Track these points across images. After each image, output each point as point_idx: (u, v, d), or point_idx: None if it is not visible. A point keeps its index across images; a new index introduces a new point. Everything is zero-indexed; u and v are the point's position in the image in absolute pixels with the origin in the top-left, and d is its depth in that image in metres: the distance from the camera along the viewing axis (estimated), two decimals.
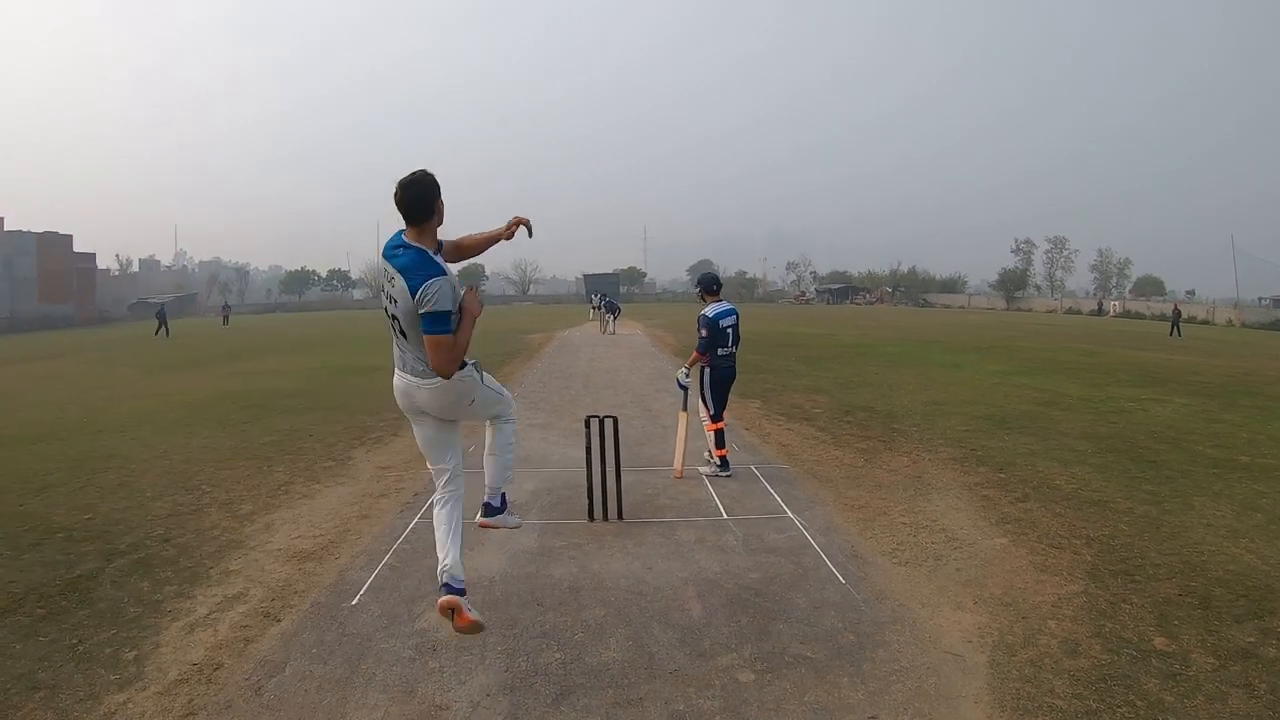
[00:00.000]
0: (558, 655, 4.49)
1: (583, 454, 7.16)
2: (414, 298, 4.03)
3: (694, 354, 8.83)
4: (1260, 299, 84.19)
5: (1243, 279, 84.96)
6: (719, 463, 8.66)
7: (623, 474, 7.24)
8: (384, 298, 4.29)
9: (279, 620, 5.04)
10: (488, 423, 4.96)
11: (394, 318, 4.23)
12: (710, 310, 8.74)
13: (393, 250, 4.21)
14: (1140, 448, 10.00)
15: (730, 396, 9.00)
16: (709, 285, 9.09)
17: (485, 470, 5.05)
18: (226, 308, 67.21)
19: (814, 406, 13.32)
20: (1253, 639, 4.73)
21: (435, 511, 4.79)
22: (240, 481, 8.53)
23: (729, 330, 8.78)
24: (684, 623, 4.90)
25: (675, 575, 5.69)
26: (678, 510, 7.36)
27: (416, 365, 4.30)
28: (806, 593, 5.39)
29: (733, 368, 8.98)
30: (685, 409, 8.79)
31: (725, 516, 7.14)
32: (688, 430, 8.65)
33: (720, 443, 8.71)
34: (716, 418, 8.74)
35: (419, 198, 4.15)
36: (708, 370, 8.78)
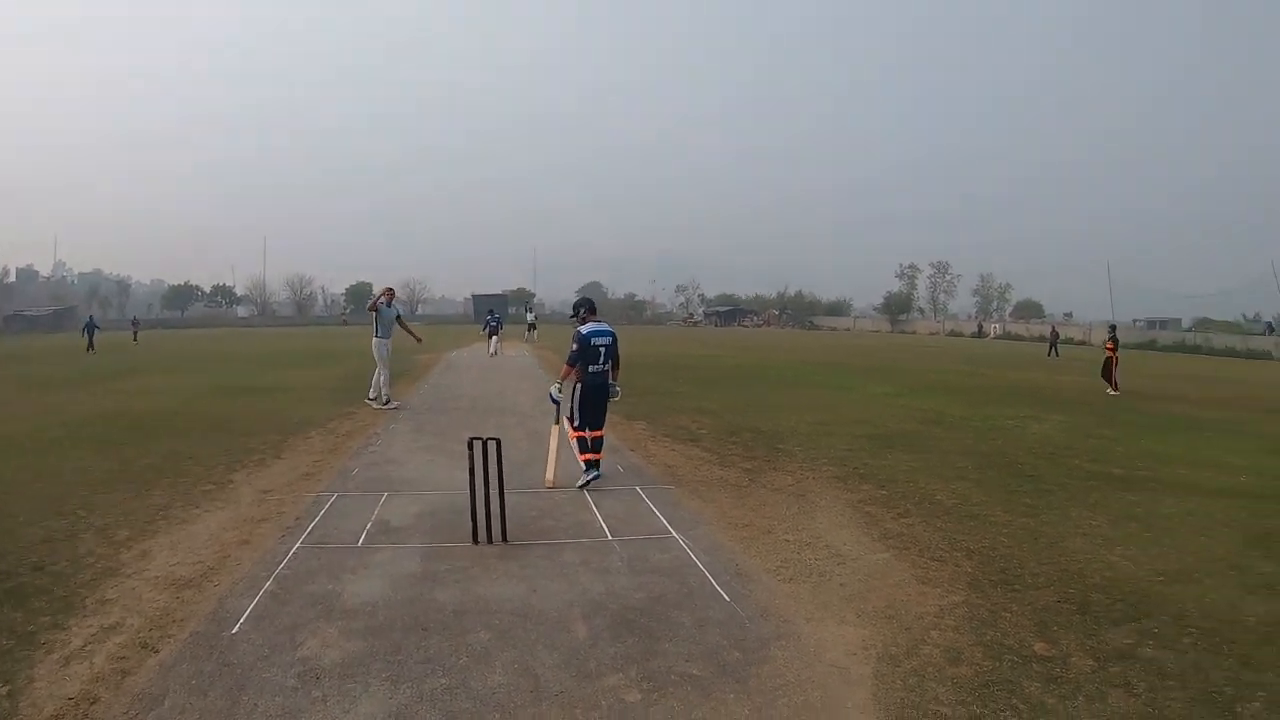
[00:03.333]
0: (443, 681, 4.41)
1: (467, 476, 7.06)
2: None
3: (564, 368, 9.22)
4: (1135, 320, 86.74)
5: (1117, 301, 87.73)
6: (584, 466, 8.99)
7: (507, 495, 7.16)
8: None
9: (157, 651, 4.85)
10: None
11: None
12: (585, 328, 9.12)
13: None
14: (1019, 463, 10.33)
15: (615, 417, 9.18)
16: (589, 306, 9.49)
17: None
18: (136, 322, 65.19)
19: (699, 427, 13.39)
20: (1130, 640, 4.94)
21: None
22: (116, 506, 8.21)
23: (601, 348, 9.09)
24: (570, 644, 4.86)
25: (560, 597, 5.65)
26: (562, 532, 7.31)
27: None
28: (691, 611, 5.40)
29: (604, 385, 9.23)
30: (557, 422, 9.20)
31: (610, 537, 7.12)
32: (559, 442, 9.02)
33: (583, 449, 9.07)
34: (579, 428, 9.12)
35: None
36: (579, 386, 9.12)
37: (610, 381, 9.27)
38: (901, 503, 8.27)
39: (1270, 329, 68.04)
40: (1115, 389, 20.66)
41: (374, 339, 15.54)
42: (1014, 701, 4.17)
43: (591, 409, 9.17)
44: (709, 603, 5.56)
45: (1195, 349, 60.68)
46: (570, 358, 9.10)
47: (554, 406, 9.35)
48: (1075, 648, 4.82)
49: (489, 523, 6.96)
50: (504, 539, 6.92)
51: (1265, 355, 55.16)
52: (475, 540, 6.89)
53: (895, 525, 7.47)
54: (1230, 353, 57.70)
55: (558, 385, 9.24)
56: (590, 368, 9.10)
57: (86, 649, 4.91)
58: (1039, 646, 4.83)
